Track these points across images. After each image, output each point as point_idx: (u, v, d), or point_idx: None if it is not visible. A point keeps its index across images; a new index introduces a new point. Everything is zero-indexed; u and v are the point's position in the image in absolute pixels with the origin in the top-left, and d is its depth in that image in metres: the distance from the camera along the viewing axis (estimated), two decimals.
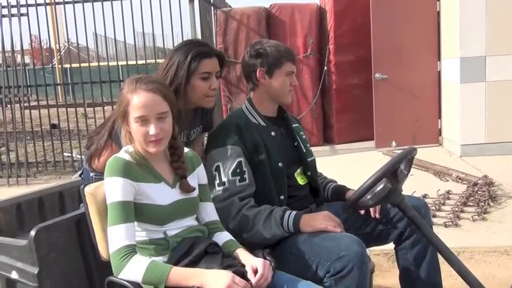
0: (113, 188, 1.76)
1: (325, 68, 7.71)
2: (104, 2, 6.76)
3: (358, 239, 1.92)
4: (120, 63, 8.62)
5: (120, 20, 6.77)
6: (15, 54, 7.35)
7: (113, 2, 6.76)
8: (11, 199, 2.65)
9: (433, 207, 4.24)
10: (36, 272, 1.93)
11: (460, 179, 5.16)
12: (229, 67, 7.42)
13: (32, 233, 1.92)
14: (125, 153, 1.84)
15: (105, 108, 7.20)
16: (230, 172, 2.13)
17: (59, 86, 8.80)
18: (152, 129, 1.78)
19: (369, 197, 2.07)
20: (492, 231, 3.84)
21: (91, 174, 2.44)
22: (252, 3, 8.12)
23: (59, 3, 7.09)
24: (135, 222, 1.79)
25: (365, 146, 7.36)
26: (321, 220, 2.03)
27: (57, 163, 7.18)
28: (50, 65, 12.93)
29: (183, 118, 2.20)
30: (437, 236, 2.10)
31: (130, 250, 1.72)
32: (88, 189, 1.87)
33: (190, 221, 1.91)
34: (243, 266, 1.77)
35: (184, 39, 2.55)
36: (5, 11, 6.85)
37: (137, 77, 1.86)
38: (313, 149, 2.53)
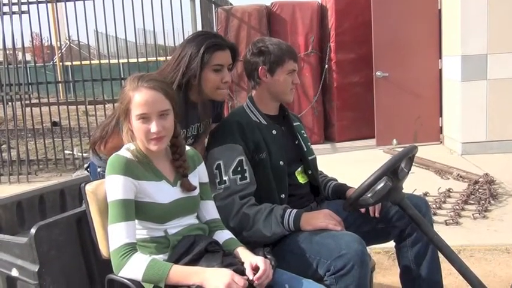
0: (114, 186, 1.76)
1: (326, 66, 7.70)
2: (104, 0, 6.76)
3: (358, 237, 1.92)
4: (121, 60, 8.62)
5: (121, 17, 6.77)
6: (16, 51, 7.34)
7: None
8: (11, 197, 2.66)
9: (434, 206, 4.24)
10: (37, 270, 1.93)
11: (461, 177, 5.16)
12: None
13: (33, 230, 1.92)
14: (126, 151, 1.84)
15: (106, 106, 7.20)
16: (231, 171, 2.13)
17: (60, 84, 8.80)
18: (154, 127, 1.78)
19: (369, 195, 2.07)
20: (493, 229, 3.84)
21: (98, 169, 2.43)
22: (253, 1, 8.12)
23: (60, 0, 7.09)
24: (136, 220, 1.79)
25: (366, 144, 7.36)
26: (322, 218, 2.03)
27: (58, 161, 7.19)
28: (51, 63, 12.94)
29: (200, 110, 2.19)
30: (437, 234, 2.10)
31: (131, 248, 1.71)
32: (89, 188, 1.87)
33: (191, 220, 1.91)
34: (243, 264, 1.77)
35: (197, 31, 2.52)
36: (6, 9, 6.85)
37: (139, 74, 1.86)
38: (314, 147, 2.53)
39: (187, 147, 2.00)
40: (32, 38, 8.85)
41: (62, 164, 7.16)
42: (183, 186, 1.89)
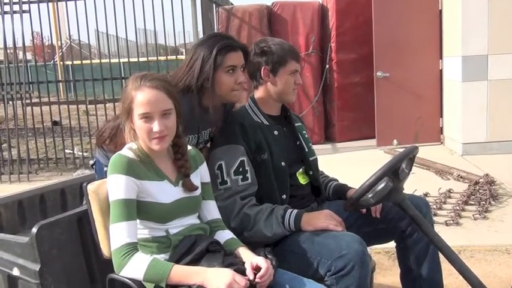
0: (116, 186, 1.76)
1: (327, 66, 7.70)
2: None
3: (359, 238, 1.92)
4: (121, 60, 8.62)
5: (122, 16, 6.77)
6: (17, 50, 7.34)
7: None
8: (12, 196, 2.66)
9: (434, 206, 4.24)
10: (38, 269, 1.93)
11: (461, 177, 5.16)
12: None
13: (34, 229, 1.93)
14: (128, 151, 1.84)
15: (107, 105, 7.20)
16: (232, 171, 2.13)
17: (60, 83, 8.81)
18: (156, 126, 1.78)
19: (370, 195, 2.07)
20: (493, 230, 3.84)
21: (104, 168, 2.43)
22: (254, 1, 8.12)
23: (60, 0, 7.10)
24: (138, 220, 1.79)
25: (366, 144, 7.36)
26: (322, 219, 2.03)
27: (58, 160, 7.19)
28: (52, 62, 12.94)
29: (212, 115, 2.15)
30: (438, 234, 2.10)
31: (132, 248, 1.71)
32: (91, 187, 1.87)
33: (192, 220, 1.91)
34: (244, 264, 1.77)
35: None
36: (7, 8, 6.86)
37: (142, 74, 1.86)
38: (314, 147, 2.53)
39: (189, 147, 2.00)
40: (32, 37, 8.87)
41: (62, 163, 7.16)
42: (185, 186, 1.89)
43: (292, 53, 2.28)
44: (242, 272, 1.70)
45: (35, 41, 10.28)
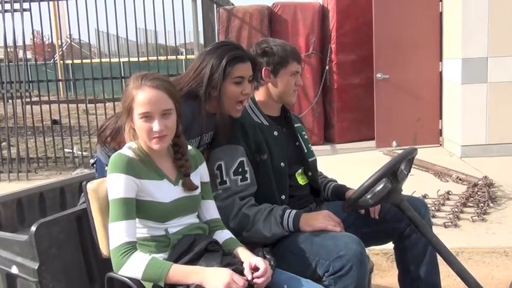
0: (115, 185, 1.76)
1: (327, 67, 7.71)
2: None
3: (357, 238, 1.92)
4: (122, 59, 8.62)
5: (123, 16, 6.77)
6: (18, 49, 7.34)
7: None
8: (11, 194, 2.66)
9: (433, 208, 4.24)
10: (37, 267, 1.94)
11: (460, 179, 5.17)
12: None
13: (33, 228, 1.93)
14: (128, 150, 1.84)
15: (107, 104, 7.20)
16: (232, 171, 2.13)
17: (60, 82, 8.80)
18: (156, 126, 1.78)
19: (368, 196, 2.07)
20: (491, 232, 3.84)
21: (106, 167, 2.43)
22: (254, 1, 8.13)
23: None
24: (137, 219, 1.79)
25: (366, 146, 7.36)
26: (321, 219, 2.04)
27: (58, 159, 7.19)
28: (52, 61, 12.94)
29: (205, 123, 2.15)
30: (436, 236, 2.11)
31: (131, 247, 1.72)
32: (90, 186, 1.87)
33: (191, 219, 1.92)
34: (243, 264, 1.77)
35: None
36: (7, 6, 6.86)
37: (143, 73, 1.86)
38: (313, 148, 2.53)
39: (189, 147, 2.00)
40: (33, 35, 8.86)
41: (61, 162, 7.16)
42: (185, 186, 1.89)
43: (294, 54, 2.29)
44: (240, 272, 1.70)
45: (35, 39, 10.27)
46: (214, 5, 7.89)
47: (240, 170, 2.14)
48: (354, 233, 2.00)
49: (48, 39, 15.35)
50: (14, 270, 2.04)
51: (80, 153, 7.35)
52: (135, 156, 1.83)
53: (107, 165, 2.39)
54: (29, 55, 11.16)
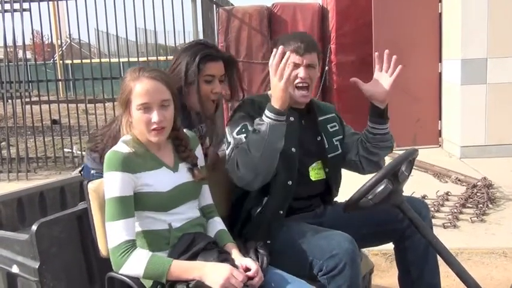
0: (112, 183, 1.75)
1: (327, 67, 7.71)
2: None
3: (349, 237, 1.92)
4: (121, 59, 8.62)
5: (123, 16, 6.77)
6: (17, 49, 7.34)
7: None
8: (12, 193, 2.66)
9: (432, 209, 4.25)
10: (37, 267, 1.94)
11: (459, 180, 5.17)
12: None
13: (34, 227, 1.93)
14: (122, 145, 1.82)
15: (106, 104, 7.20)
16: (235, 132, 2.10)
17: (60, 82, 8.79)
18: (155, 117, 1.77)
19: (369, 197, 2.07)
20: (490, 233, 3.85)
21: (92, 171, 2.44)
22: (254, 1, 8.14)
23: None
24: (139, 212, 1.79)
25: None
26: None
27: (57, 159, 7.18)
28: (52, 61, 12.93)
29: (203, 115, 2.22)
30: (436, 237, 2.11)
31: (130, 245, 1.71)
32: (91, 186, 1.87)
33: (193, 209, 1.92)
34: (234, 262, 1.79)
35: (192, 40, 2.55)
36: (7, 6, 6.85)
37: (140, 67, 1.87)
38: None
39: (184, 130, 2.01)
40: (32, 35, 8.86)
41: (61, 162, 7.16)
42: (195, 176, 1.91)
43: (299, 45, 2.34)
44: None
45: (35, 39, 10.27)
46: (214, 6, 7.90)
47: (243, 130, 2.09)
48: (354, 233, 2.00)
49: (48, 39, 15.33)
50: (15, 269, 2.04)
51: (80, 153, 7.34)
52: (130, 150, 1.80)
53: (93, 169, 2.40)
54: (29, 55, 11.16)
